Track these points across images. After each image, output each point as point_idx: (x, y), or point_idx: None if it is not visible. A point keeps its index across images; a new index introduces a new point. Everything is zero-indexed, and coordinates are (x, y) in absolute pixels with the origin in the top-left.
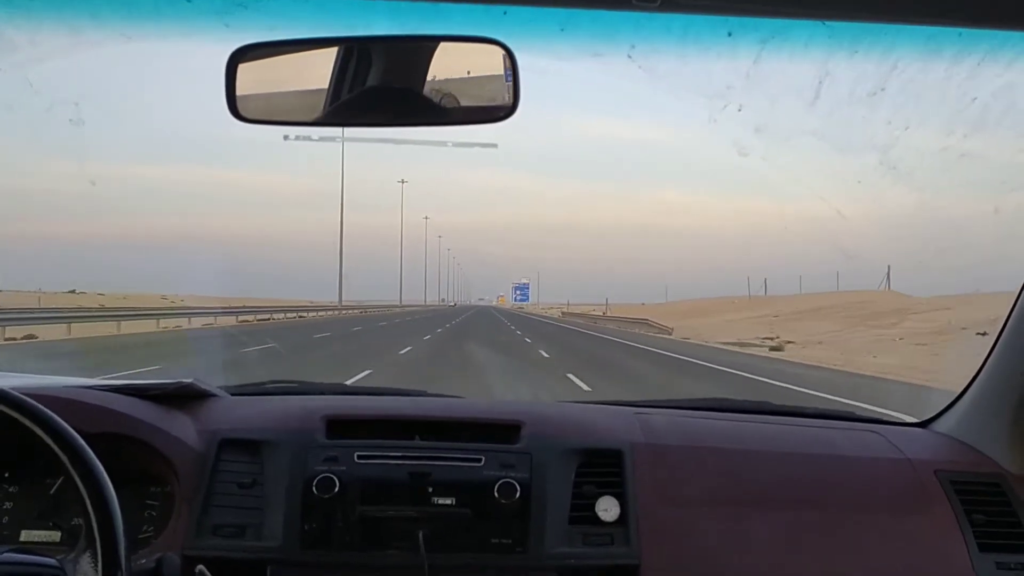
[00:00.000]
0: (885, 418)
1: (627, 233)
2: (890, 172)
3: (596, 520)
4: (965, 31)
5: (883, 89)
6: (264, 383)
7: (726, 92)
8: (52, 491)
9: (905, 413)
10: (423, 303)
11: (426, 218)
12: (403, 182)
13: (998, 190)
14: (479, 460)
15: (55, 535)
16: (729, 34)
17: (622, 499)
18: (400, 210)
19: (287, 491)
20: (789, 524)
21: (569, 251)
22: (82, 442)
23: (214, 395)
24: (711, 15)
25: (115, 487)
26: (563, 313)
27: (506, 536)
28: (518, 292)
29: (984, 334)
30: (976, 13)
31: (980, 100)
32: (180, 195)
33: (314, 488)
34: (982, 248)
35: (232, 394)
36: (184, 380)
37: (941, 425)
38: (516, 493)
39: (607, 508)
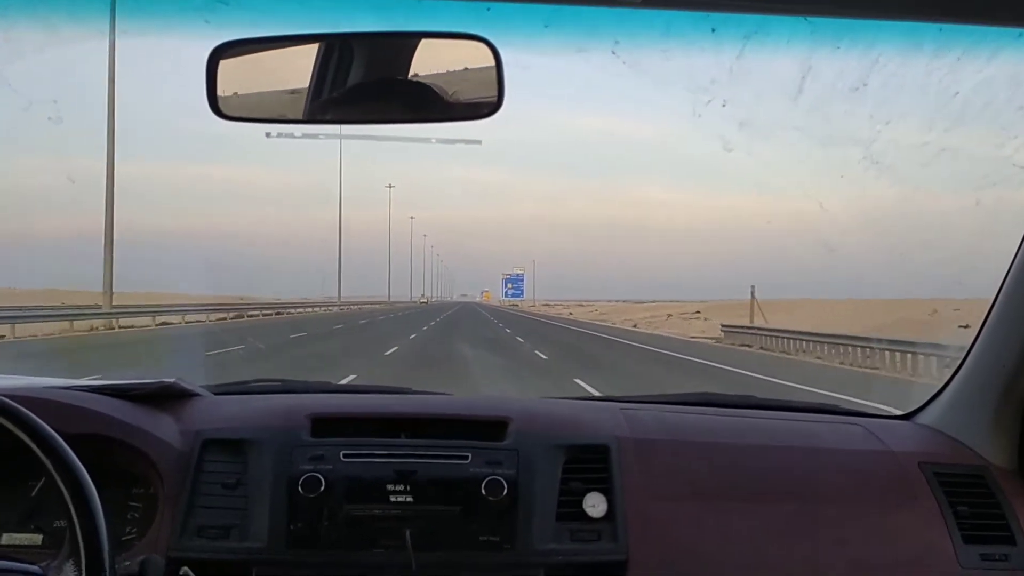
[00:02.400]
0: (869, 411)
1: (619, 228)
2: (873, 166)
3: (583, 516)
4: (946, 26)
5: (865, 84)
6: (248, 382)
7: (710, 87)
8: (34, 493)
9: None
10: (386, 300)
11: (390, 186)
12: (341, 129)
13: (979, 184)
14: (466, 457)
15: (37, 538)
16: (712, 30)
17: (609, 495)
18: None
19: (272, 491)
20: (775, 517)
21: (557, 246)
22: (63, 444)
23: (197, 394)
24: (694, 11)
25: (97, 489)
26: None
27: (494, 534)
28: (509, 286)
29: (966, 327)
30: (956, 8)
31: (961, 95)
32: (161, 192)
33: (300, 487)
34: (964, 241)
35: (215, 393)
36: (166, 380)
37: (924, 417)
38: (503, 490)
39: (594, 504)
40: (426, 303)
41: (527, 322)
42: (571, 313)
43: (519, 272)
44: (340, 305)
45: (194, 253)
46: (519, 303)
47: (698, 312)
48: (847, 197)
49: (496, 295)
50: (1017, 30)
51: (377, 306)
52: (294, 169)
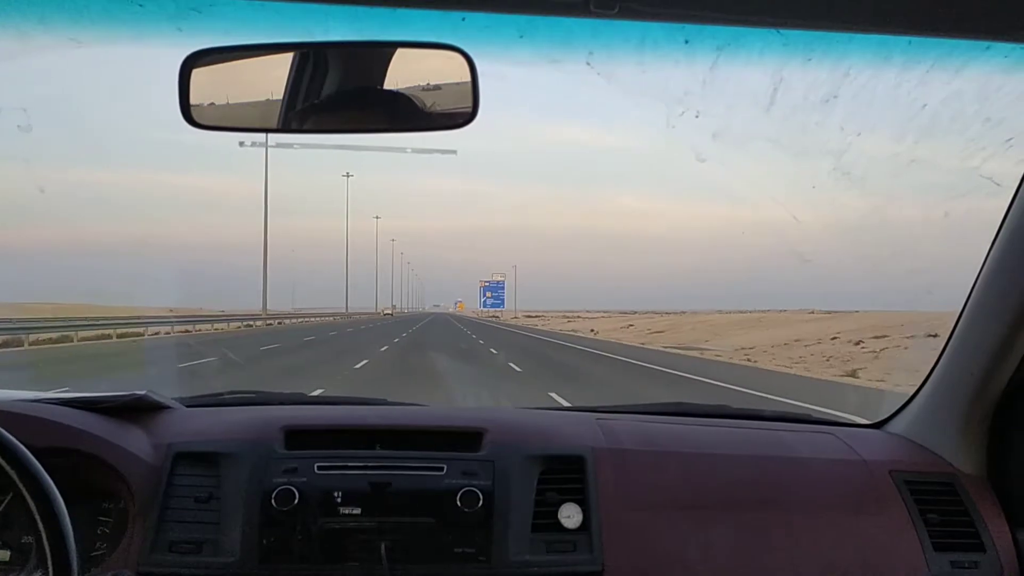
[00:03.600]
0: (840, 420)
1: (598, 238)
2: (843, 177)
3: (559, 527)
4: (915, 39)
5: (836, 96)
6: (220, 394)
7: (684, 98)
8: (1, 508)
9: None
10: (343, 311)
11: (347, 175)
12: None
13: (947, 195)
14: (441, 469)
15: (5, 554)
16: (686, 41)
17: (584, 505)
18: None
19: (245, 504)
20: (748, 526)
21: (534, 256)
22: (31, 457)
23: (168, 407)
24: (668, 22)
25: (66, 503)
26: None
27: (469, 545)
28: (488, 294)
29: (935, 336)
30: (925, 22)
31: (930, 107)
32: (132, 201)
33: (273, 501)
34: (932, 252)
35: (187, 405)
36: (137, 392)
37: (895, 426)
38: (479, 502)
39: (570, 515)
40: (391, 315)
41: (547, 349)
42: (593, 331)
43: (499, 279)
44: (265, 318)
45: (156, 264)
46: (499, 314)
47: (885, 336)
48: (818, 207)
49: (472, 305)
50: (985, 43)
51: (330, 319)
52: (254, 178)
